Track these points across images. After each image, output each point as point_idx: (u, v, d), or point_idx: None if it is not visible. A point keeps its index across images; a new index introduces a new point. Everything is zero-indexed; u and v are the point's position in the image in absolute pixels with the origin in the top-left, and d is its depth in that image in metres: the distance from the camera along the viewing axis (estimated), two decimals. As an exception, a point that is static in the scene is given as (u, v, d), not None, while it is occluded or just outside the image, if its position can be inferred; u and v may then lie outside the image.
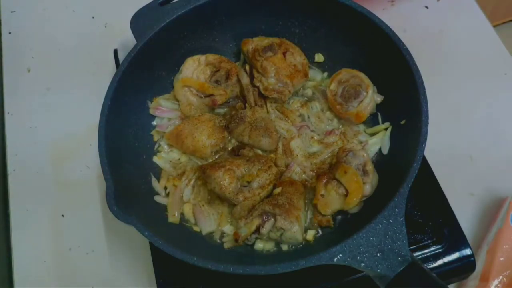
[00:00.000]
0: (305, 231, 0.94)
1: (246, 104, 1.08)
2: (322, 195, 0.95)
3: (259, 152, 1.04)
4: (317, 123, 1.07)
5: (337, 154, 0.99)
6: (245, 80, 1.09)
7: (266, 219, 0.89)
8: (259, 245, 0.93)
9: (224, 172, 0.93)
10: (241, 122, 1.02)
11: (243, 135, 1.02)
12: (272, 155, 1.03)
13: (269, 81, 1.05)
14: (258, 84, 1.06)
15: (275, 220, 0.89)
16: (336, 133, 1.04)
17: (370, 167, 0.95)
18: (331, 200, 0.94)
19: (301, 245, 0.93)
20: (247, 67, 1.10)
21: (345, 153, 0.97)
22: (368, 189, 0.93)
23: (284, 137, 1.04)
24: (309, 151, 1.04)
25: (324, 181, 0.96)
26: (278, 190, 0.95)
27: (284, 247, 0.93)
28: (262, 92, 1.06)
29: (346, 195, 0.93)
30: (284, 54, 1.07)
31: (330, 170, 0.98)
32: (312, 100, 1.10)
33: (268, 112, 1.07)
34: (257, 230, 0.89)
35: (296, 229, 0.89)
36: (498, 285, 0.92)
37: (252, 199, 0.94)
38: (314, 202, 0.96)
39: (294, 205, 0.91)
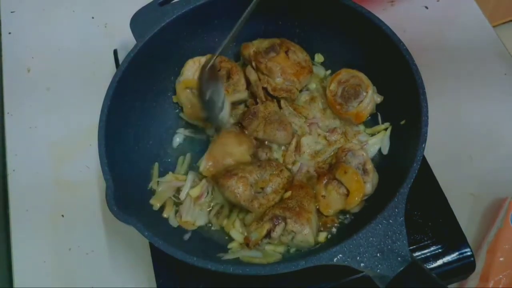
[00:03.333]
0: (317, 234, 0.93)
1: (257, 100, 1.07)
2: (323, 196, 0.95)
3: (275, 147, 1.03)
4: (322, 119, 1.07)
5: (337, 154, 0.99)
6: (253, 76, 1.08)
7: (276, 223, 0.88)
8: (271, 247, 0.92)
9: (237, 180, 0.92)
10: (255, 117, 1.02)
11: (257, 131, 1.01)
12: (283, 151, 1.03)
13: (276, 81, 1.05)
14: (265, 85, 1.06)
15: (286, 223, 0.88)
16: (338, 132, 1.04)
17: (370, 166, 0.95)
18: (332, 201, 0.94)
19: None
20: (254, 64, 1.09)
21: (344, 153, 0.97)
22: (369, 188, 0.93)
23: (296, 133, 1.04)
24: (315, 149, 1.04)
25: (325, 182, 0.96)
26: (288, 194, 0.94)
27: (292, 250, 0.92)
28: (271, 92, 1.06)
29: (347, 195, 0.93)
30: (286, 53, 1.07)
31: (330, 170, 0.98)
32: (317, 96, 1.10)
33: (281, 109, 1.07)
34: (268, 234, 0.89)
35: (307, 231, 0.88)
36: (499, 285, 0.92)
37: (267, 205, 0.93)
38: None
39: (304, 208, 0.91)
